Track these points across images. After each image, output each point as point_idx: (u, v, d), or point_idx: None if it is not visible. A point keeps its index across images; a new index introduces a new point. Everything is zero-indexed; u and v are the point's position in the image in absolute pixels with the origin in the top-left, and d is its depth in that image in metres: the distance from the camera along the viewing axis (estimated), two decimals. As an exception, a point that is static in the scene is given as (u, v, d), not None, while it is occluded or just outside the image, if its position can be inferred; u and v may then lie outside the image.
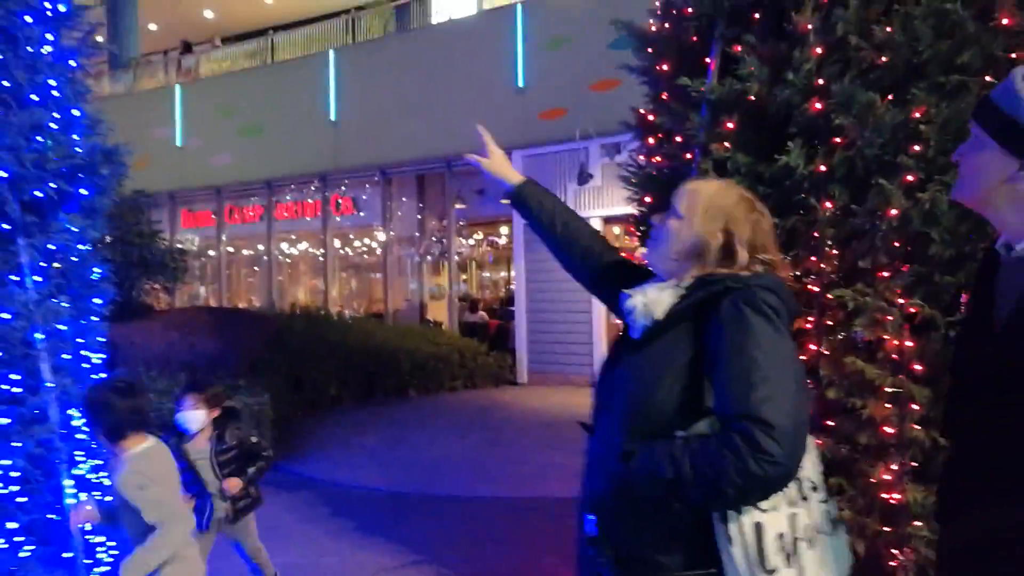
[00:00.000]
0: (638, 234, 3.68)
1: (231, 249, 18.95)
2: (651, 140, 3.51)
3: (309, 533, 5.62)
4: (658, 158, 3.45)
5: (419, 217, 16.29)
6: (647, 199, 3.53)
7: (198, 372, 8.11)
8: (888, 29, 2.70)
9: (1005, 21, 2.58)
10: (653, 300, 1.66)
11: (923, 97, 2.60)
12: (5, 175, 2.98)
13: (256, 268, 18.97)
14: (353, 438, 8.76)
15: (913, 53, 2.67)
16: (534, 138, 12.37)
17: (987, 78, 2.53)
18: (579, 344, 12.11)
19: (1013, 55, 2.52)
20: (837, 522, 1.64)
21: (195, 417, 3.89)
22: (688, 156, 3.18)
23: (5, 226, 3.05)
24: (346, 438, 8.76)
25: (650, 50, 3.53)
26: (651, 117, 3.49)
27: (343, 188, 16.52)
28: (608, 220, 11.95)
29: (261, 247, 18.15)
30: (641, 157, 3.65)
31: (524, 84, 13.13)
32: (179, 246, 13.89)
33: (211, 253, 18.72)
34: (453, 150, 13.11)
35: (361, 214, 16.55)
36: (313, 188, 16.79)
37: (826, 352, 2.78)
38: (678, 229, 1.73)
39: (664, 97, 3.39)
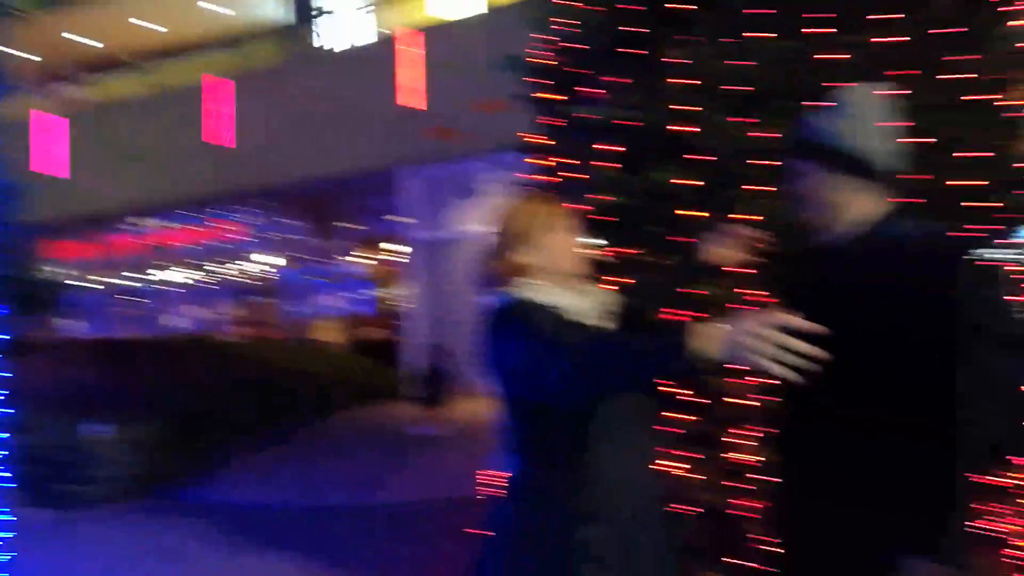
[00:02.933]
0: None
1: (112, 280, 18.18)
2: (536, 159, 3.84)
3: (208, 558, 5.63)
4: (543, 175, 3.77)
5: (308, 237, 16.24)
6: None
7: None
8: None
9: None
10: None
11: (766, 119, 3.03)
12: None
13: (139, 297, 18.26)
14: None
15: (756, 83, 3.12)
16: (423, 156, 12.65)
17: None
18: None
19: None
20: None
21: None
22: (569, 174, 3.52)
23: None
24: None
25: (538, 79, 3.86)
26: (536, 138, 3.82)
27: (228, 212, 16.24)
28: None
29: (147, 273, 17.53)
30: (525, 175, 3.96)
31: (412, 105, 13.32)
32: (55, 278, 13.26)
33: (90, 284, 17.91)
34: (340, 169, 13.36)
35: (247, 238, 16.32)
36: (196, 213, 16.40)
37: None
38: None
39: (549, 120, 3.74)
